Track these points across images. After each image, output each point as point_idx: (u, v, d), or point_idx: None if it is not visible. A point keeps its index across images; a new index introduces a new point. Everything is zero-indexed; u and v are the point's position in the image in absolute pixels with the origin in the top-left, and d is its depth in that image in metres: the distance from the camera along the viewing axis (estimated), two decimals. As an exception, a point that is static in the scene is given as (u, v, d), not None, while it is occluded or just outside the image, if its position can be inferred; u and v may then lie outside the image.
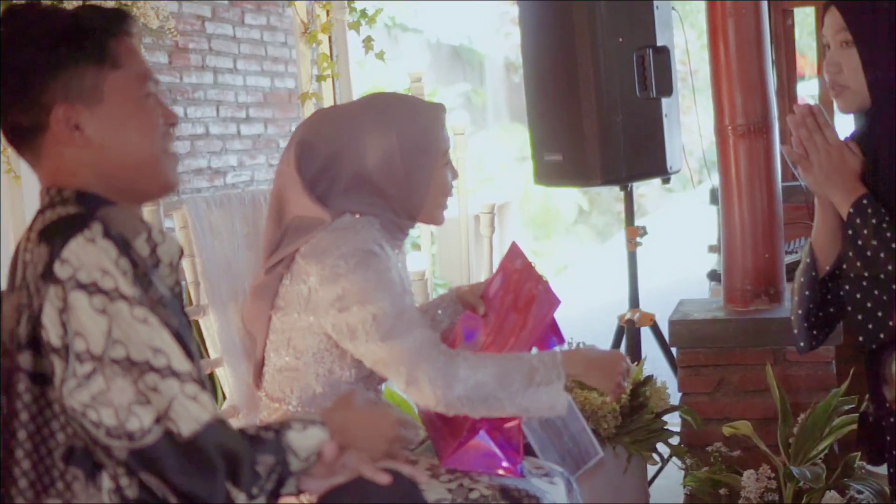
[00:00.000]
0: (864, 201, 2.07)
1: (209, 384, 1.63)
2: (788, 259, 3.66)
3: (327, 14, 3.95)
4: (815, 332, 2.23)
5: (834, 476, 3.04)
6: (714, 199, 4.10)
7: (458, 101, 11.21)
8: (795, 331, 2.25)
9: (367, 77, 7.58)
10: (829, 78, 2.17)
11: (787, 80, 4.49)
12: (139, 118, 1.60)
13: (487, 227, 3.92)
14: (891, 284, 2.01)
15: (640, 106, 3.54)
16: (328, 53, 4.01)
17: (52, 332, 1.44)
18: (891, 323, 2.02)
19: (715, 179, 3.66)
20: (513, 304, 2.31)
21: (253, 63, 5.04)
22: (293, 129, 5.37)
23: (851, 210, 2.07)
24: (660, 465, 3.40)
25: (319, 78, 4.04)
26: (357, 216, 2.21)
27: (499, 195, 8.80)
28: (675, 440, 3.27)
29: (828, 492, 3.02)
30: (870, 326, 2.04)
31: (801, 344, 2.25)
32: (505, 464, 2.21)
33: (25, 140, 1.58)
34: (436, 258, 6.59)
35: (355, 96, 4.10)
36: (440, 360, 2.05)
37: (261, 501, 1.48)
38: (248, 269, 2.54)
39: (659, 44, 3.55)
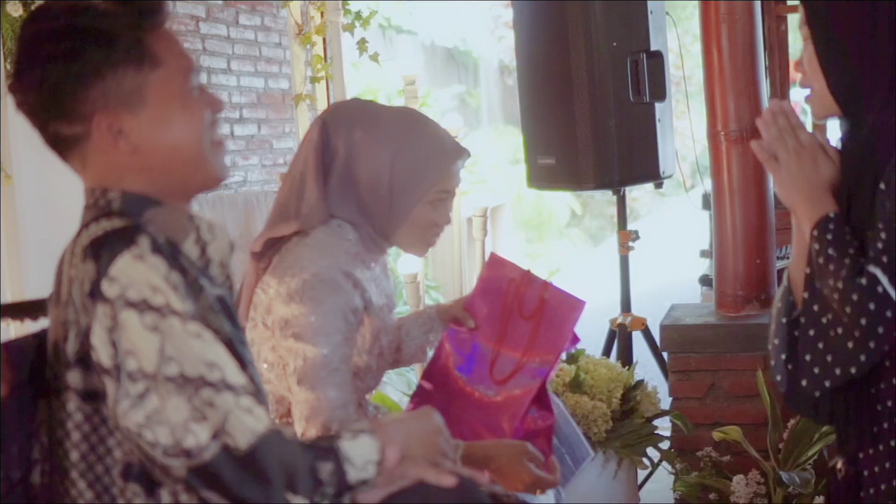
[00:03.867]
0: (829, 223, 1.75)
1: (263, 391, 1.62)
2: (780, 264, 3.66)
3: (322, 15, 3.95)
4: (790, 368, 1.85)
5: (823, 482, 3.05)
6: (706, 204, 4.11)
7: (452, 102, 11.21)
8: (773, 362, 1.84)
9: (361, 79, 7.57)
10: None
11: (781, 85, 4.50)
12: (185, 115, 1.53)
13: (480, 231, 3.93)
14: (836, 328, 1.71)
15: (633, 110, 3.54)
16: (322, 55, 4.01)
17: (102, 353, 1.40)
18: (837, 371, 1.71)
19: (707, 184, 3.67)
20: (516, 311, 2.31)
21: (247, 64, 5.04)
22: (286, 130, 5.39)
23: (814, 231, 1.76)
24: (650, 469, 3.41)
25: (313, 79, 4.05)
26: (338, 225, 2.17)
27: (492, 197, 8.81)
28: (665, 445, 3.27)
29: (816, 497, 3.02)
30: (815, 370, 1.74)
31: (778, 378, 1.83)
32: None
33: (69, 149, 1.52)
34: (428, 260, 6.58)
35: (349, 98, 4.10)
36: (329, 425, 2.02)
37: None
38: (240, 271, 2.54)
39: (653, 48, 3.55)
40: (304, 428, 2.05)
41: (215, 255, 1.56)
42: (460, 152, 2.22)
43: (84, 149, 1.51)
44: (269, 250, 2.22)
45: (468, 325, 2.35)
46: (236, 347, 1.52)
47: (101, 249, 1.42)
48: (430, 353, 2.44)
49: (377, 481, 1.54)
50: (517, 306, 2.31)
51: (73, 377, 1.45)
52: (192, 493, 1.41)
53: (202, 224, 1.56)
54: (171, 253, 1.45)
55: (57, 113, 1.49)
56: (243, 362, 1.53)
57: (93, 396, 1.44)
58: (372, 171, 2.16)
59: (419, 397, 2.36)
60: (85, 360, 1.43)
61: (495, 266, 2.40)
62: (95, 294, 1.40)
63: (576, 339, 2.34)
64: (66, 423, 1.46)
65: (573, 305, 2.28)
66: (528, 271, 2.37)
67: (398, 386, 4.74)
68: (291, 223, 2.18)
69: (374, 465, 1.52)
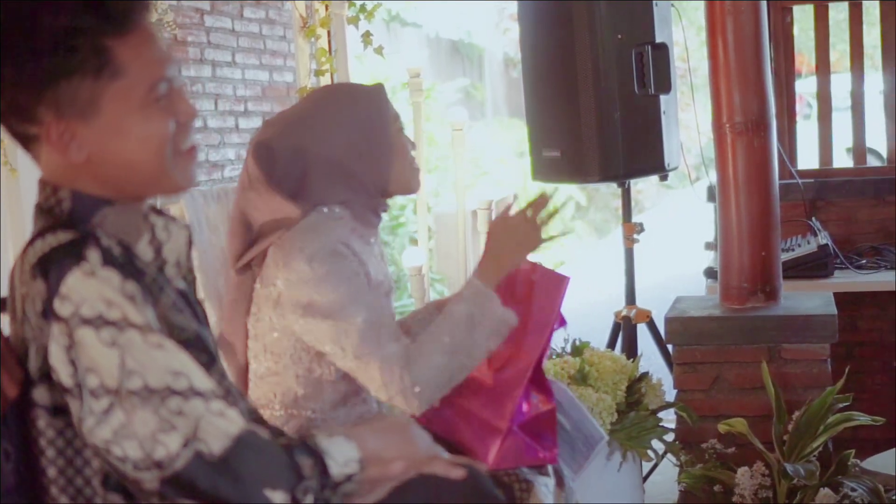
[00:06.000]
0: None
1: (233, 390, 1.60)
2: (785, 257, 3.66)
3: (326, 8, 3.96)
4: None
5: (828, 473, 3.05)
6: (711, 197, 4.11)
7: (456, 95, 11.19)
8: None
9: (365, 71, 7.56)
10: None
11: (786, 77, 4.49)
12: (143, 127, 1.45)
13: (485, 223, 3.94)
14: None
15: (638, 103, 3.54)
16: (327, 48, 4.01)
17: (62, 373, 1.37)
18: None
19: (712, 177, 3.67)
20: (508, 296, 2.31)
21: (251, 57, 5.03)
22: (291, 123, 5.38)
23: None
24: (655, 461, 3.41)
25: (318, 72, 4.05)
26: (326, 210, 2.21)
27: (496, 190, 8.79)
28: (670, 437, 3.28)
29: (821, 489, 3.02)
30: None
31: None
32: (542, 454, 2.25)
33: (25, 144, 1.49)
34: (433, 253, 6.58)
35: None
36: (404, 377, 2.05)
37: (309, 501, 1.42)
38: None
39: (658, 41, 3.55)
40: (387, 395, 2.06)
41: (171, 256, 1.54)
42: (381, 86, 2.37)
43: (37, 148, 1.47)
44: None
45: None
46: (206, 342, 1.51)
47: (49, 267, 1.38)
48: None
49: (367, 476, 1.50)
50: (509, 291, 2.32)
51: (40, 394, 1.43)
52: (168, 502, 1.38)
53: (157, 222, 1.53)
54: (124, 260, 1.42)
55: (12, 112, 1.44)
56: (213, 357, 1.52)
57: (62, 410, 1.42)
58: (344, 141, 2.24)
59: None
60: (49, 375, 1.40)
61: None
62: (49, 314, 1.37)
63: (563, 322, 2.33)
64: (39, 441, 1.44)
65: (559, 282, 2.29)
66: None
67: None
68: (272, 236, 2.21)
69: (357, 462, 1.49)
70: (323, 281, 2.09)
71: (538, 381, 2.31)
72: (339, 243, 2.15)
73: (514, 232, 2.19)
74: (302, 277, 2.10)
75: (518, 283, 2.32)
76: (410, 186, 2.35)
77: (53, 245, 1.41)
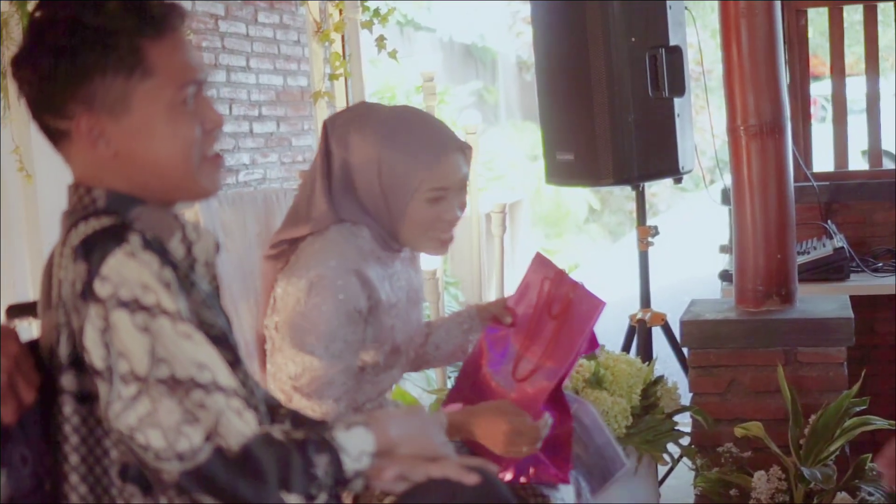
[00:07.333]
0: None
1: (256, 392, 1.61)
2: (800, 260, 3.65)
3: (340, 13, 3.95)
4: None
5: (845, 477, 3.03)
6: (726, 199, 4.10)
7: (470, 99, 11.19)
8: None
9: (379, 76, 7.57)
10: None
11: (800, 80, 4.47)
12: (171, 128, 1.50)
13: (499, 227, 3.93)
14: None
15: (652, 106, 3.54)
16: (341, 52, 4.01)
17: (94, 355, 1.39)
18: None
19: (727, 179, 3.66)
20: (546, 310, 2.30)
21: (266, 61, 5.05)
22: (305, 127, 5.40)
23: None
24: (670, 465, 3.40)
25: (332, 77, 4.05)
26: (352, 225, 2.16)
27: (510, 193, 8.80)
28: (685, 440, 3.26)
29: (839, 493, 3.01)
30: None
31: None
32: (554, 471, 2.24)
33: (56, 141, 1.53)
34: (447, 256, 6.59)
35: (367, 95, 4.11)
36: None
37: (322, 500, 1.44)
38: (260, 268, 2.54)
39: (672, 43, 3.54)
40: None
41: (200, 255, 1.56)
42: (451, 147, 2.15)
43: (67, 145, 1.51)
44: (287, 251, 2.23)
45: (505, 322, 2.35)
46: (231, 342, 1.52)
47: (92, 248, 1.41)
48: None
49: (371, 473, 1.52)
50: (547, 306, 2.31)
51: (67, 380, 1.45)
52: (185, 496, 1.40)
53: (187, 224, 1.55)
54: (160, 249, 1.45)
55: (46, 106, 1.49)
56: (237, 358, 1.53)
57: (87, 398, 1.44)
58: (364, 173, 2.14)
59: (454, 394, 2.37)
60: (78, 361, 1.43)
61: (538, 265, 2.40)
62: (87, 294, 1.39)
63: (595, 344, 2.31)
64: (64, 427, 1.46)
65: (593, 306, 2.27)
66: (562, 271, 2.35)
67: (418, 382, 4.74)
68: (302, 227, 2.19)
69: (369, 457, 1.51)
70: (312, 310, 2.08)
71: (557, 400, 2.29)
72: (351, 271, 2.10)
73: (513, 437, 2.05)
74: (296, 295, 2.09)
75: (556, 299, 2.31)
76: (420, 250, 2.26)
77: (97, 228, 1.44)
